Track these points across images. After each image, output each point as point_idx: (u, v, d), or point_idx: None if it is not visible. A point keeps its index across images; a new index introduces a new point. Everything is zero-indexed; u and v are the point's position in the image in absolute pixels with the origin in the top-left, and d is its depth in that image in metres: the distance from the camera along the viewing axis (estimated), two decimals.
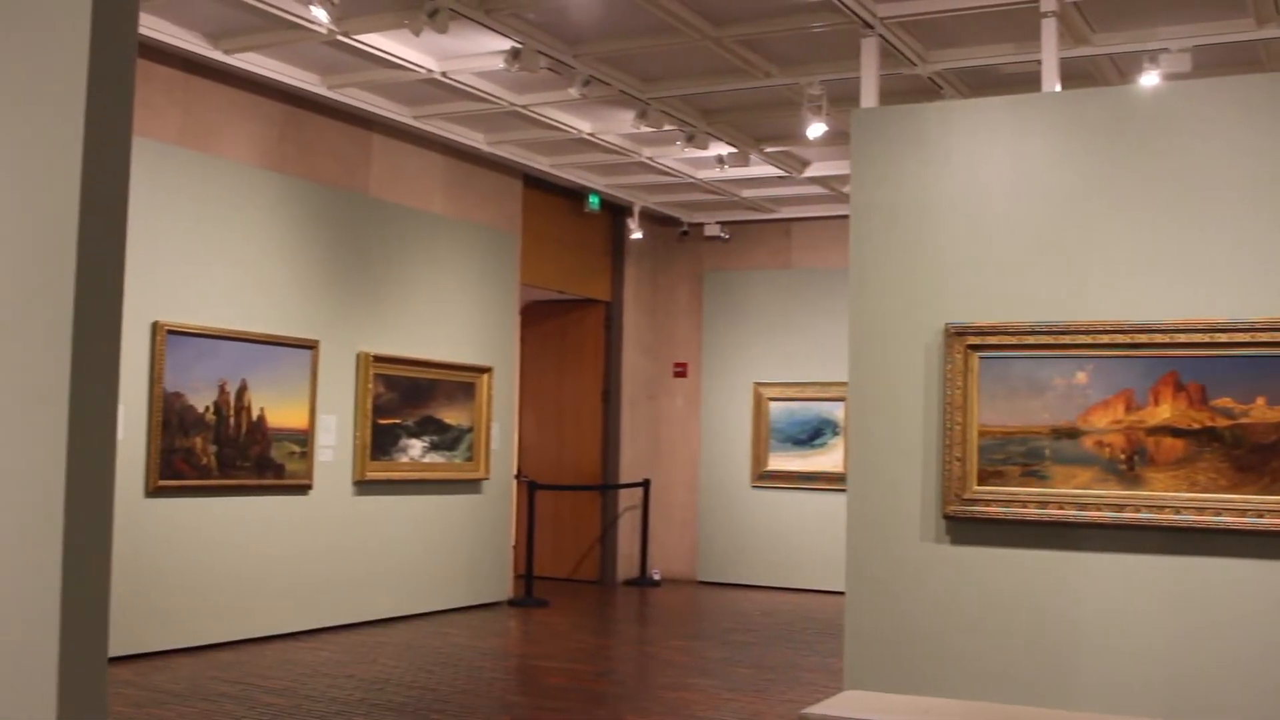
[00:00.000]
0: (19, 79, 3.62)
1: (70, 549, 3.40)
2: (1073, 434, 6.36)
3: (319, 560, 10.41)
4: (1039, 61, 7.87)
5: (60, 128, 3.49)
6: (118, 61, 3.55)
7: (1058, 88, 7.62)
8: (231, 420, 9.65)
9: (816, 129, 9.86)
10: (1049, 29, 7.67)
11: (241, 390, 9.72)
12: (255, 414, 9.83)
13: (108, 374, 3.52)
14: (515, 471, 13.21)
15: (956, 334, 6.54)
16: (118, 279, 3.56)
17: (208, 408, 9.47)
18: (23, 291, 3.54)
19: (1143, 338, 6.21)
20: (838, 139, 10.67)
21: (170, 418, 9.18)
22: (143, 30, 8.38)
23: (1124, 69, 9.17)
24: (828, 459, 14.12)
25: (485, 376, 12.16)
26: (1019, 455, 6.45)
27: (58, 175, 3.48)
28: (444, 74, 9.85)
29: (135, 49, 3.64)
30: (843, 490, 7.34)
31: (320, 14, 8.20)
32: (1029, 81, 8.84)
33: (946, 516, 6.55)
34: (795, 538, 14.24)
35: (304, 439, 10.25)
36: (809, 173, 12.82)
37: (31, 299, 3.51)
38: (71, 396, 3.41)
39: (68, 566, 3.39)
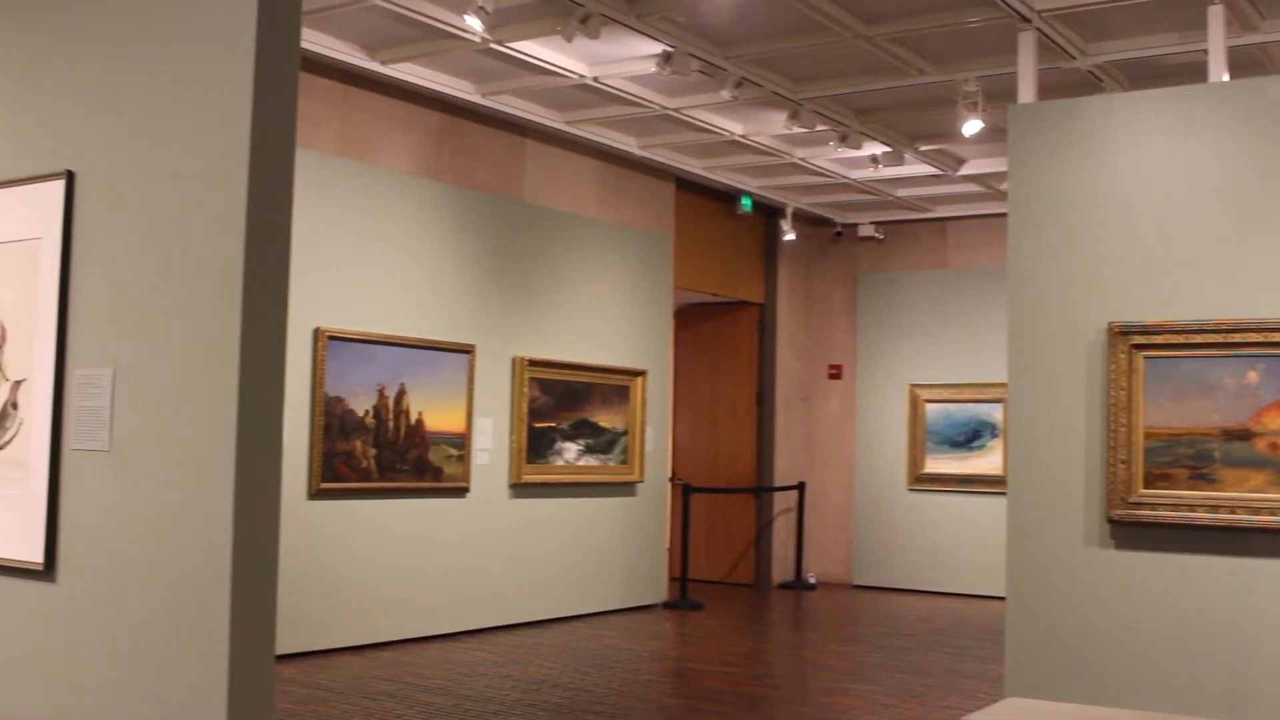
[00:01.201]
0: (188, 95, 3.72)
1: (239, 551, 3.48)
2: (1244, 436, 6.14)
3: (476, 562, 10.54)
4: (1205, 51, 7.62)
5: (228, 141, 3.58)
6: (281, 77, 3.63)
7: (1225, 77, 7.37)
8: (390, 424, 9.83)
9: (973, 126, 9.70)
10: (1215, 16, 7.42)
11: (400, 394, 9.89)
12: (413, 418, 10.00)
13: (273, 380, 3.61)
14: (670, 474, 13.23)
15: (1120, 333, 6.37)
16: (283, 287, 3.64)
17: (367, 412, 9.66)
18: (193, 300, 3.64)
19: None
20: (994, 135, 10.48)
21: (331, 422, 9.38)
22: (302, 43, 8.58)
23: None
24: (986, 461, 13.88)
25: (639, 380, 12.20)
26: (1187, 458, 6.26)
27: (226, 187, 3.57)
28: (596, 79, 9.91)
29: (297, 65, 3.72)
30: (1002, 493, 7.19)
31: (474, 23, 8.31)
32: (1194, 72, 8.58)
33: (1111, 520, 6.38)
34: (953, 541, 14.02)
35: (461, 442, 10.40)
36: (965, 170, 12.62)
37: (201, 308, 3.61)
38: (240, 402, 3.50)
39: (237, 568, 3.48)
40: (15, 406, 4.03)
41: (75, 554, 3.84)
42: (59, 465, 3.89)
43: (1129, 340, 6.36)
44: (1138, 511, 6.32)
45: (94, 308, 3.86)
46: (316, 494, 9.29)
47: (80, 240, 3.91)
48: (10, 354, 4.07)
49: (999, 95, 9.42)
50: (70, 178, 3.93)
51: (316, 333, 9.25)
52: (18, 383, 4.03)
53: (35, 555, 3.90)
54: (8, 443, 4.05)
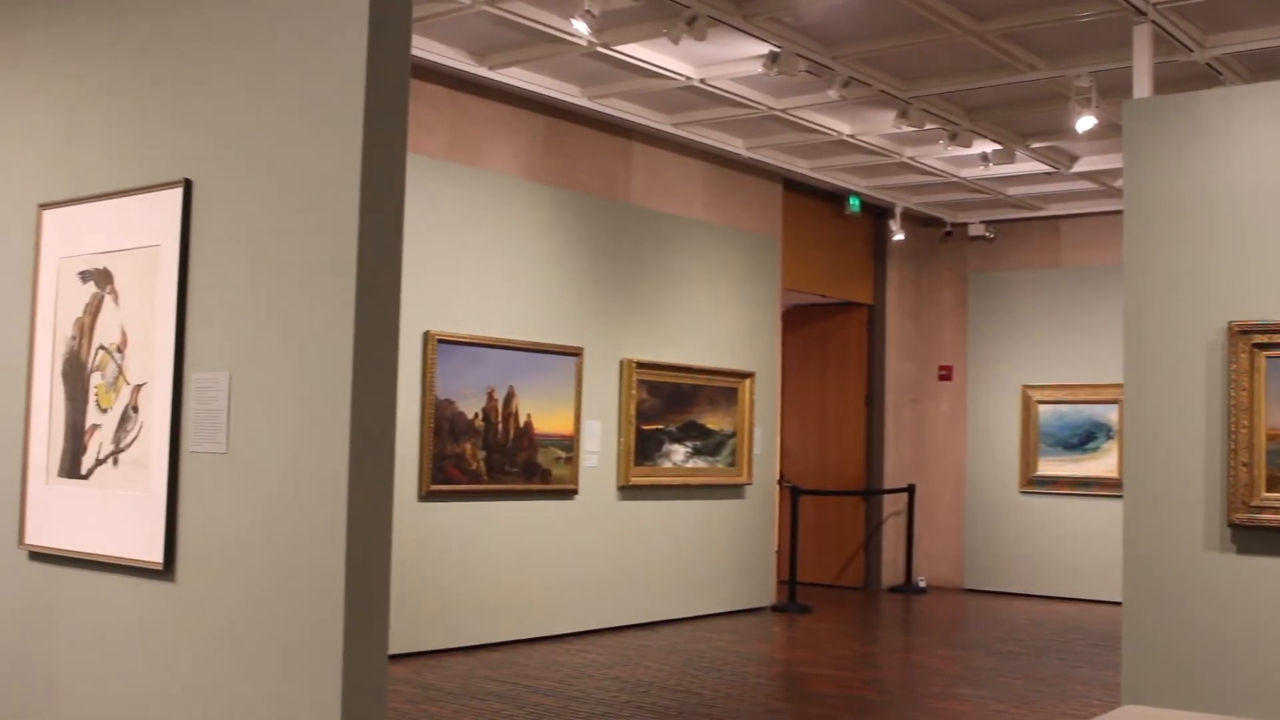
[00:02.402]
0: (301, 103, 3.78)
1: (353, 552, 3.52)
2: None
3: (584, 564, 10.58)
4: None
5: (340, 148, 3.62)
6: (392, 83, 3.67)
7: None
8: (499, 426, 9.90)
9: (1086, 122, 9.53)
10: None
11: (509, 397, 9.95)
12: (522, 420, 10.06)
13: (386, 383, 3.64)
14: (778, 476, 13.17)
15: (1241, 333, 6.21)
16: (394, 291, 3.67)
17: (477, 414, 9.73)
18: (307, 305, 3.69)
19: None
20: (1108, 132, 10.29)
21: (441, 424, 9.47)
22: (412, 50, 8.68)
23: None
24: (1100, 464, 13.63)
25: (747, 381, 12.17)
26: None
27: (339, 193, 3.61)
28: (702, 81, 9.89)
29: (408, 71, 3.75)
30: (1116, 496, 7.06)
31: (581, 27, 8.34)
32: None
33: (1231, 524, 6.23)
34: (1066, 545, 13.79)
35: (569, 445, 10.44)
36: (1078, 168, 12.40)
37: (315, 312, 3.65)
38: (353, 405, 3.54)
39: (351, 569, 3.52)
40: (135, 410, 4.12)
41: (194, 554, 3.91)
42: (178, 467, 3.96)
43: (1250, 340, 6.20)
44: (1260, 515, 6.16)
45: (211, 313, 3.93)
46: (427, 496, 9.38)
47: (198, 246, 3.99)
48: (131, 358, 4.16)
49: (1113, 90, 9.24)
50: (188, 185, 4.01)
51: (426, 336, 9.35)
52: (138, 386, 4.12)
53: (155, 555, 3.98)
54: (128, 445, 4.14)
